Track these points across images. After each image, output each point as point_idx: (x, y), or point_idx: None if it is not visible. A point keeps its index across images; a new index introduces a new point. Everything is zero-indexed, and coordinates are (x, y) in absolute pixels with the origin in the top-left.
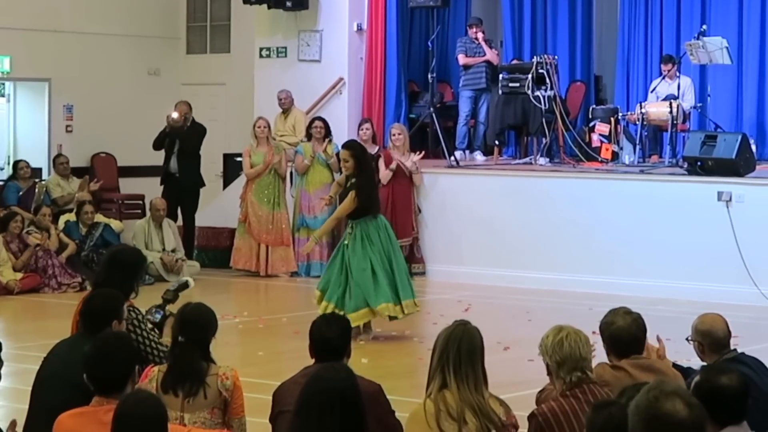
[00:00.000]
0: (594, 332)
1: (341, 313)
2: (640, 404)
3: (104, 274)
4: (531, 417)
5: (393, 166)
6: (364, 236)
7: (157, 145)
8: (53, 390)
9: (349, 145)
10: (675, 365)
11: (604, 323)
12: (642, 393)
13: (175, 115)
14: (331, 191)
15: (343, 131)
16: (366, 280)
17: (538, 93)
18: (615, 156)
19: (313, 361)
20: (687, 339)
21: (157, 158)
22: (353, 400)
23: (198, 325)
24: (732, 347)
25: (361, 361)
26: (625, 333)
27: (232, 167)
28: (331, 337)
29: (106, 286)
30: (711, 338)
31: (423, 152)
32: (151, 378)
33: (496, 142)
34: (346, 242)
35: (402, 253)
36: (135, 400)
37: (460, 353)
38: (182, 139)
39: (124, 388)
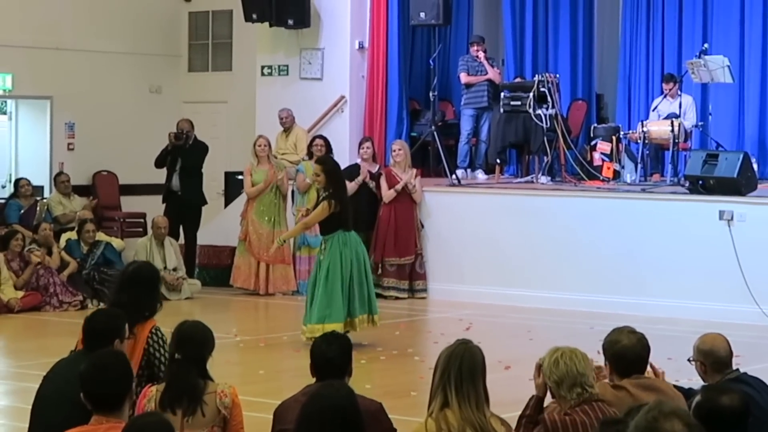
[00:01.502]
0: (598, 352)
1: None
2: (639, 425)
3: (129, 294)
4: (539, 420)
5: (399, 187)
6: (335, 251)
7: (159, 163)
8: (54, 408)
9: (322, 159)
10: (676, 386)
11: (608, 342)
12: (641, 413)
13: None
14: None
15: (344, 149)
16: (332, 294)
17: (539, 111)
18: (616, 175)
19: (314, 380)
20: (689, 360)
21: (159, 176)
22: (354, 419)
23: (195, 343)
24: (734, 367)
25: (365, 387)
26: (629, 352)
27: (233, 185)
28: (332, 356)
29: (132, 306)
30: (713, 358)
31: (419, 171)
32: (149, 398)
33: (498, 161)
34: (321, 257)
35: (370, 270)
36: (143, 421)
37: (462, 372)
38: (184, 157)
39: (122, 406)
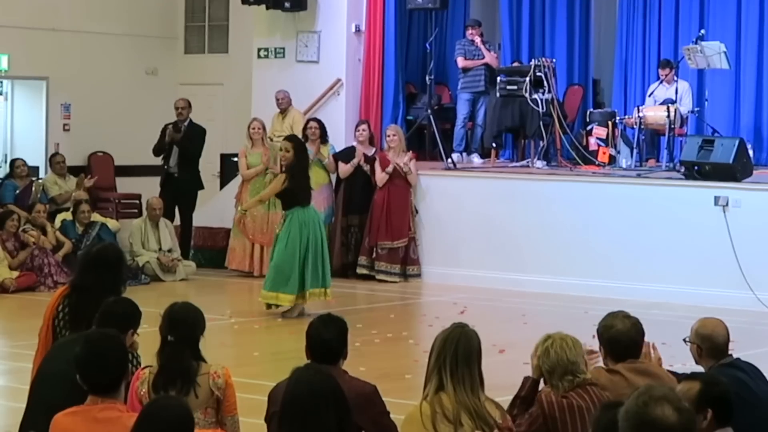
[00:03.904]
0: (593, 336)
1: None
2: (629, 410)
3: (93, 276)
4: (535, 400)
5: (389, 169)
6: (295, 226)
7: (157, 152)
8: (55, 387)
9: (292, 137)
10: (671, 371)
11: (602, 326)
12: (632, 398)
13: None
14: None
15: (340, 132)
16: (286, 266)
17: (535, 96)
18: (612, 160)
19: (309, 362)
20: (685, 340)
21: (154, 158)
22: (336, 402)
23: (186, 324)
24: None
25: (359, 370)
26: (624, 336)
27: (229, 167)
28: (328, 338)
29: (96, 288)
30: (711, 343)
31: (414, 154)
32: (142, 381)
33: (494, 145)
34: (278, 231)
35: (327, 245)
36: (162, 403)
37: (457, 355)
38: (181, 144)
39: (118, 389)
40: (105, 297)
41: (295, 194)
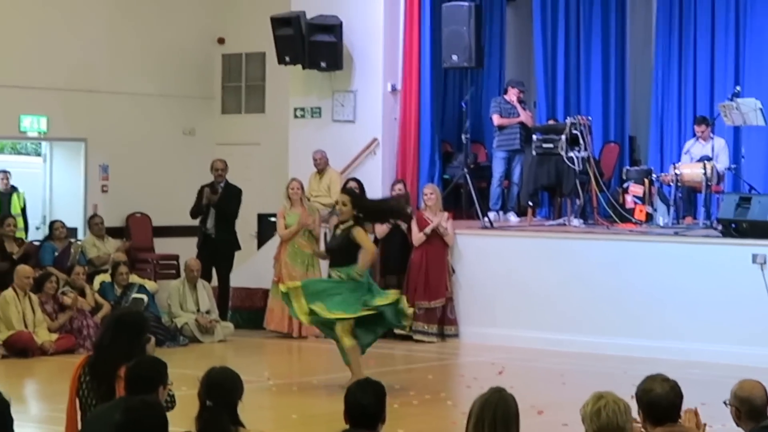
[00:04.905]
0: (632, 397)
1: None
2: None
3: (109, 337)
4: None
5: (428, 230)
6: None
7: (194, 214)
8: None
9: (347, 190)
10: None
11: (641, 390)
12: None
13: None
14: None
15: (377, 192)
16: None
17: (571, 154)
18: (649, 217)
19: (347, 427)
20: (725, 402)
21: (192, 218)
22: None
23: (225, 389)
24: None
25: None
26: (663, 400)
27: (266, 227)
28: (366, 404)
29: (112, 349)
30: (749, 405)
31: (450, 213)
32: None
33: (530, 203)
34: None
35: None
36: None
37: (496, 420)
38: (218, 207)
39: None
40: (120, 359)
41: None
